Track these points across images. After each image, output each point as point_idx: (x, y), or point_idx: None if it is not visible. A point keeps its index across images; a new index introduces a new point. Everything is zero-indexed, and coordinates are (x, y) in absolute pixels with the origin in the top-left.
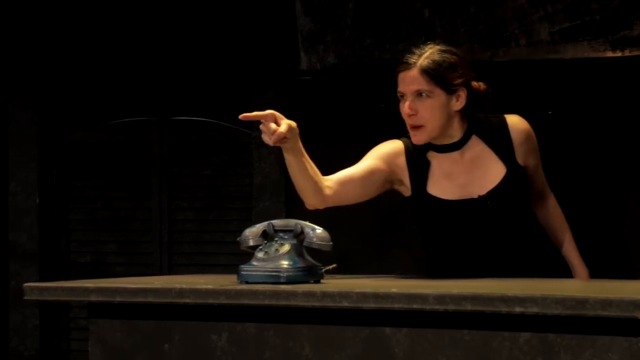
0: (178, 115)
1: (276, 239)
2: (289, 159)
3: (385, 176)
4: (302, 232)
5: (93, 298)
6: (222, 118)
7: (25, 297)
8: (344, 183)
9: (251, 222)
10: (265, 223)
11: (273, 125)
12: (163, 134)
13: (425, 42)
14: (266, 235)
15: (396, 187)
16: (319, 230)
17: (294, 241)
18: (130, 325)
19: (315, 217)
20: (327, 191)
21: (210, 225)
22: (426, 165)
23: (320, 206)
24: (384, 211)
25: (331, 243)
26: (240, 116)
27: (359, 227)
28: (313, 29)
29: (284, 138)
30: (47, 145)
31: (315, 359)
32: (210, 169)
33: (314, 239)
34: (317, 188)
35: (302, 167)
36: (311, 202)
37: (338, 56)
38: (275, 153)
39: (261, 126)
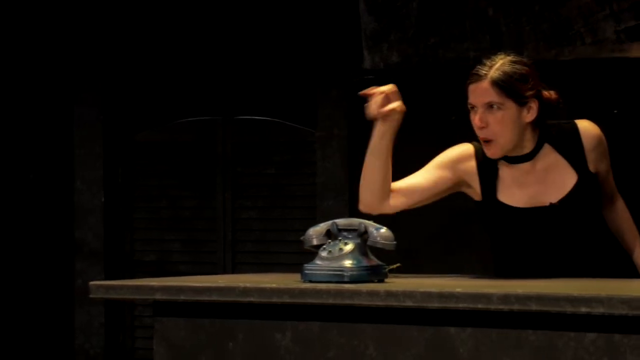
0: (242, 114)
1: (340, 238)
2: (384, 141)
3: (450, 185)
4: (365, 232)
5: (158, 297)
6: (285, 117)
7: (91, 296)
8: (406, 194)
9: (314, 221)
10: (329, 222)
11: (379, 100)
12: (227, 133)
13: (490, 42)
14: (330, 235)
15: (464, 190)
16: (383, 229)
17: (358, 240)
18: (195, 324)
19: (379, 216)
20: (392, 201)
21: (273, 224)
22: (496, 172)
23: (373, 212)
24: (448, 211)
25: (395, 242)
26: (360, 93)
27: (423, 226)
28: (376, 28)
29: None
30: (113, 144)
31: (379, 358)
32: (274, 168)
33: (378, 239)
34: (386, 190)
35: (386, 160)
36: (371, 206)
37: (402, 55)
38: (340, 152)
39: (373, 97)
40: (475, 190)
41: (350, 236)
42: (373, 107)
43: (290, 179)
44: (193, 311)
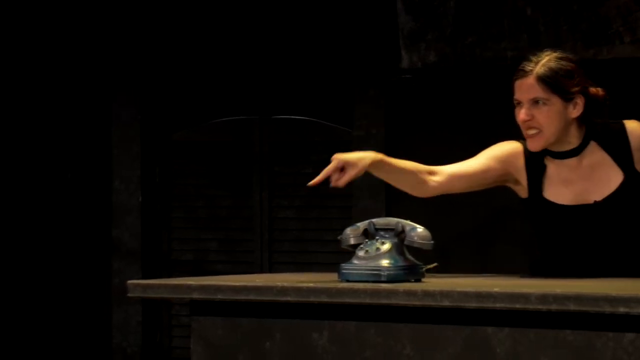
0: (279, 114)
1: (377, 237)
2: (378, 175)
3: (497, 176)
4: (403, 231)
5: (195, 296)
6: (322, 117)
7: (129, 295)
8: (453, 178)
9: (351, 221)
10: (366, 222)
11: (334, 177)
12: (264, 132)
13: (528, 41)
14: (367, 234)
15: (510, 185)
16: (420, 229)
17: (395, 240)
18: (232, 323)
19: (417, 215)
20: (432, 184)
21: (310, 224)
22: (543, 169)
23: (424, 196)
24: (486, 211)
25: (432, 242)
26: (309, 184)
27: (461, 226)
28: (414, 28)
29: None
30: (150, 144)
31: (416, 358)
32: (310, 168)
33: (415, 238)
34: (415, 184)
35: (393, 177)
36: (413, 194)
37: (439, 54)
38: (376, 151)
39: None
40: (522, 187)
41: (387, 236)
42: (333, 185)
43: (327, 178)
44: (230, 310)
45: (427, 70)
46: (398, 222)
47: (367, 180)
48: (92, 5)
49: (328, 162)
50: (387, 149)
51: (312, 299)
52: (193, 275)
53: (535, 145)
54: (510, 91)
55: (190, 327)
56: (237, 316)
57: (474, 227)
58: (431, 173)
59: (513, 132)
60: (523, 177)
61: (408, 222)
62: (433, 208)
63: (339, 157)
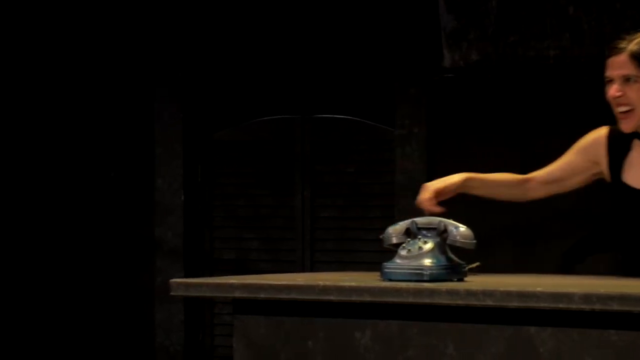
0: (321, 113)
1: (419, 236)
2: (472, 193)
3: (585, 168)
4: (445, 230)
5: (238, 294)
6: (364, 116)
7: (172, 293)
8: (548, 184)
9: (393, 220)
10: (409, 221)
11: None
12: (306, 131)
13: (570, 40)
14: (409, 233)
15: (602, 176)
16: (463, 228)
17: (437, 239)
18: (275, 322)
19: (459, 214)
20: (531, 193)
21: (352, 223)
22: (626, 152)
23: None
24: (529, 209)
25: (475, 241)
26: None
27: (504, 225)
28: (456, 27)
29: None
30: (192, 143)
31: (459, 357)
32: (352, 167)
33: (458, 237)
34: (514, 196)
35: (488, 192)
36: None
37: (481, 53)
38: (419, 151)
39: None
40: (605, 173)
41: (429, 235)
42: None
43: (369, 177)
44: (273, 309)
45: (469, 69)
46: (440, 221)
47: (410, 178)
48: (134, 4)
49: (370, 161)
50: (429, 148)
51: (354, 298)
52: (235, 274)
53: (627, 126)
54: (556, 90)
55: (232, 326)
56: (279, 315)
57: (517, 226)
58: (526, 182)
59: (556, 131)
60: (604, 162)
61: (450, 221)
62: (475, 207)
63: (430, 188)
